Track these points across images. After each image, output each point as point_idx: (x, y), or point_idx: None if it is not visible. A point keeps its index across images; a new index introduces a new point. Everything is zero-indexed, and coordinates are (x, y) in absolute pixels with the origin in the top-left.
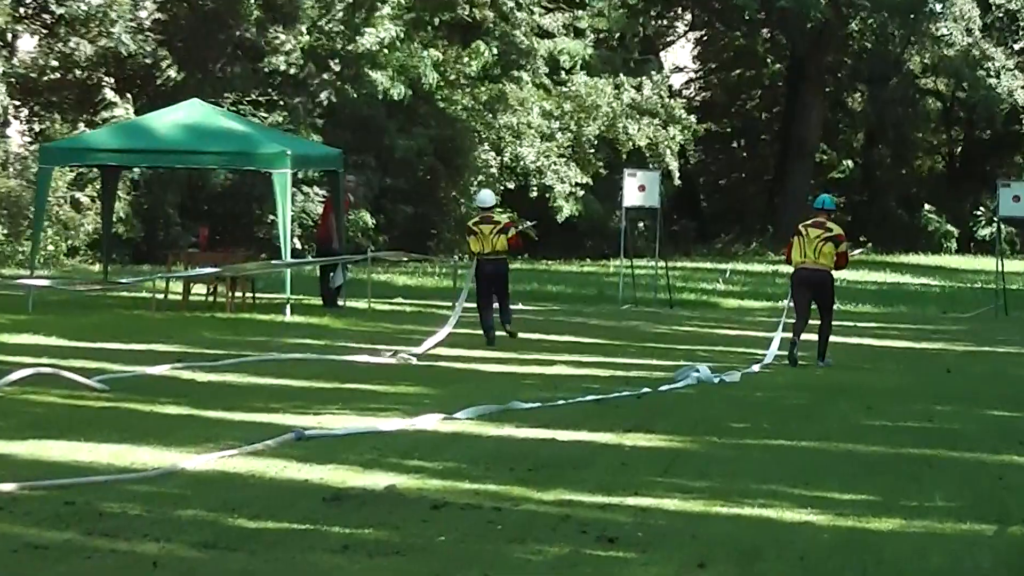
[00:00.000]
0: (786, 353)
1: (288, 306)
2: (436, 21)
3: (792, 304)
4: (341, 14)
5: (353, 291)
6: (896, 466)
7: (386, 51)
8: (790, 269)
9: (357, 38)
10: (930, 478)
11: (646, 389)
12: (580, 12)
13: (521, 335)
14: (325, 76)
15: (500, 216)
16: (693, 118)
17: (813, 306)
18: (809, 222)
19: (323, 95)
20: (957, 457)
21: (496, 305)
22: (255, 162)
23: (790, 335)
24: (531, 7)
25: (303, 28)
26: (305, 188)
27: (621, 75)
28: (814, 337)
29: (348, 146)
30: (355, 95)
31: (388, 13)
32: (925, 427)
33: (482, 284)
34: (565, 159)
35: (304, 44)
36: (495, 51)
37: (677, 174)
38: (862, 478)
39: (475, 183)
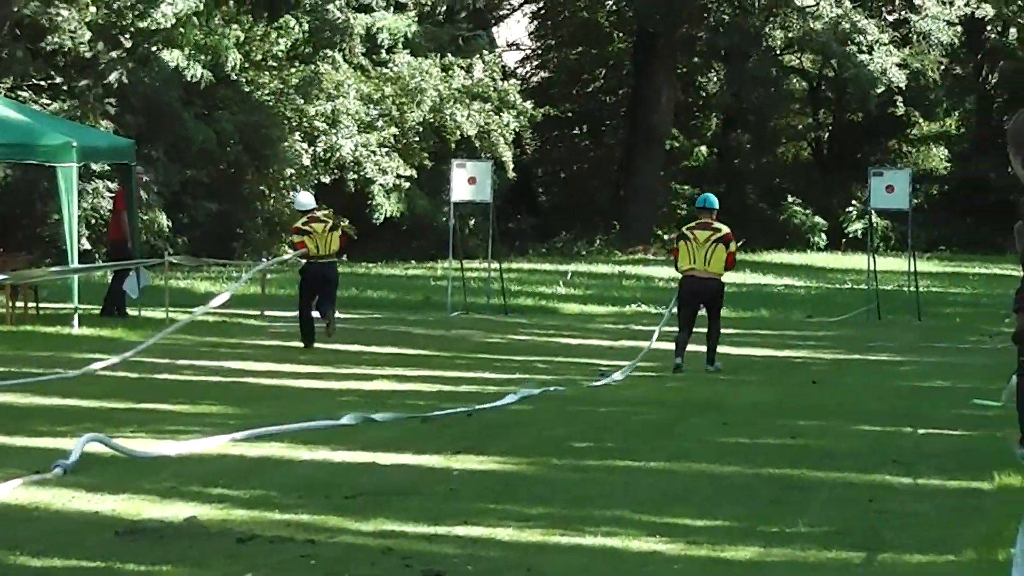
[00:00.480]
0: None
1: (76, 317)
2: None
3: (676, 311)
4: None
5: (149, 300)
6: (755, 489)
7: (182, 28)
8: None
9: (150, 11)
10: (793, 501)
11: (478, 406)
12: None
13: (339, 347)
14: (115, 54)
15: (324, 214)
16: (529, 103)
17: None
18: (694, 224)
19: (112, 76)
20: (823, 478)
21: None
22: (36, 155)
23: (671, 346)
24: None
25: (88, 2)
26: (94, 182)
27: (449, 55)
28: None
29: (141, 135)
30: (147, 78)
31: None
32: (788, 445)
33: (312, 286)
34: (387, 149)
35: (90, 19)
36: (306, 28)
37: (511, 165)
38: (717, 502)
39: (286, 177)
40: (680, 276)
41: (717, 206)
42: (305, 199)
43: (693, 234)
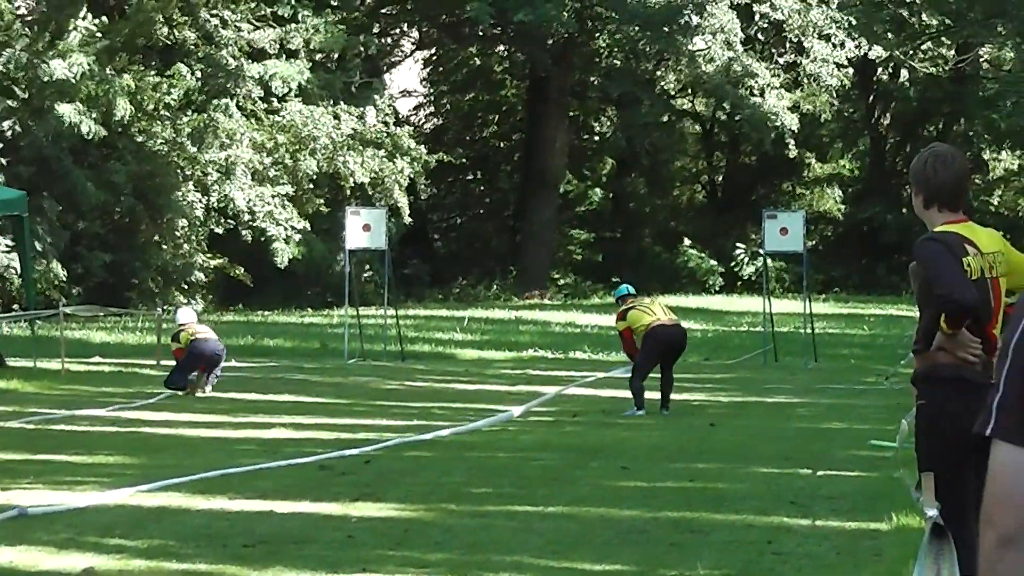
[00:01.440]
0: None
1: None
2: (132, 45)
3: (639, 365)
4: (24, 39)
5: (45, 351)
6: (654, 532)
7: (75, 82)
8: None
9: (42, 66)
10: (692, 545)
11: (372, 449)
12: (292, 27)
13: (236, 395)
14: (11, 103)
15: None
16: (423, 148)
17: None
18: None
19: (6, 124)
20: (722, 520)
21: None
22: None
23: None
24: (238, 24)
25: None
26: None
27: (341, 102)
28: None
29: (32, 186)
30: (40, 131)
31: (77, 41)
32: (686, 488)
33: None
34: (280, 198)
35: None
36: (198, 75)
37: (407, 211)
38: (616, 547)
39: (179, 228)
40: (645, 333)
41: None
42: (183, 315)
43: (640, 304)
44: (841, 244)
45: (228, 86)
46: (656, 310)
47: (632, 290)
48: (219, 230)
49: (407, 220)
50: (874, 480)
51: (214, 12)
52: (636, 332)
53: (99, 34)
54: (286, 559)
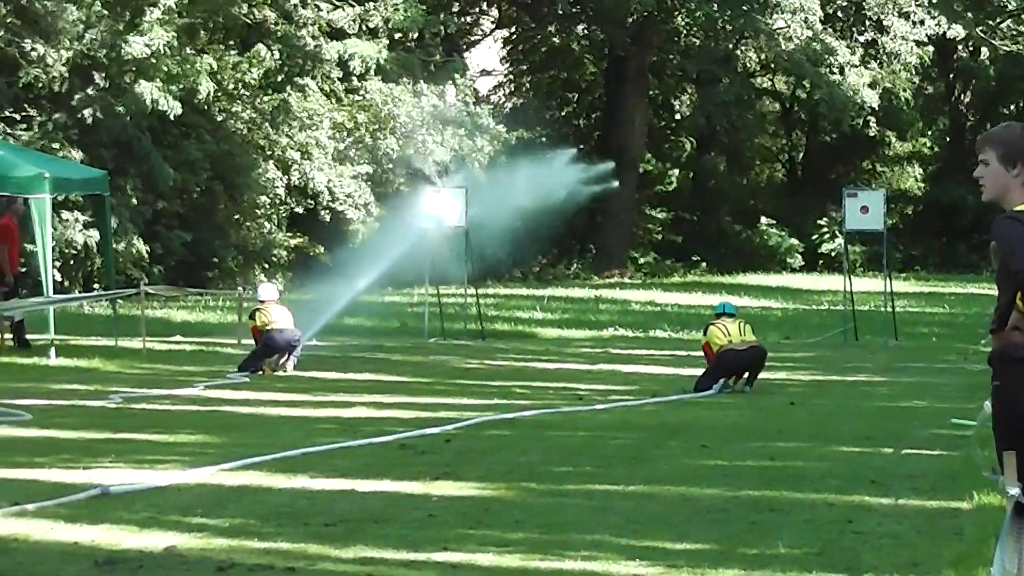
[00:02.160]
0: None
1: (52, 348)
2: (211, 24)
3: (702, 379)
4: (105, 20)
5: (126, 329)
6: (734, 511)
7: (155, 60)
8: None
9: (123, 45)
10: (772, 523)
11: (452, 428)
12: (371, 5)
13: (316, 374)
14: (90, 91)
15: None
16: (502, 127)
17: None
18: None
19: (87, 112)
20: (802, 499)
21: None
22: (9, 186)
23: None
24: (317, 3)
25: (66, 41)
26: (65, 214)
27: (421, 81)
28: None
29: (113, 166)
30: (121, 109)
31: (158, 18)
32: (766, 467)
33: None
34: (360, 178)
35: (66, 59)
36: (277, 56)
37: (487, 190)
38: (696, 525)
39: (260, 206)
40: (717, 353)
41: (736, 311)
42: (265, 291)
43: (722, 323)
44: (921, 222)
45: (307, 66)
46: (732, 330)
47: (730, 309)
48: (299, 209)
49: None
50: (955, 459)
51: None
52: (711, 347)
53: (178, 12)
54: (367, 538)
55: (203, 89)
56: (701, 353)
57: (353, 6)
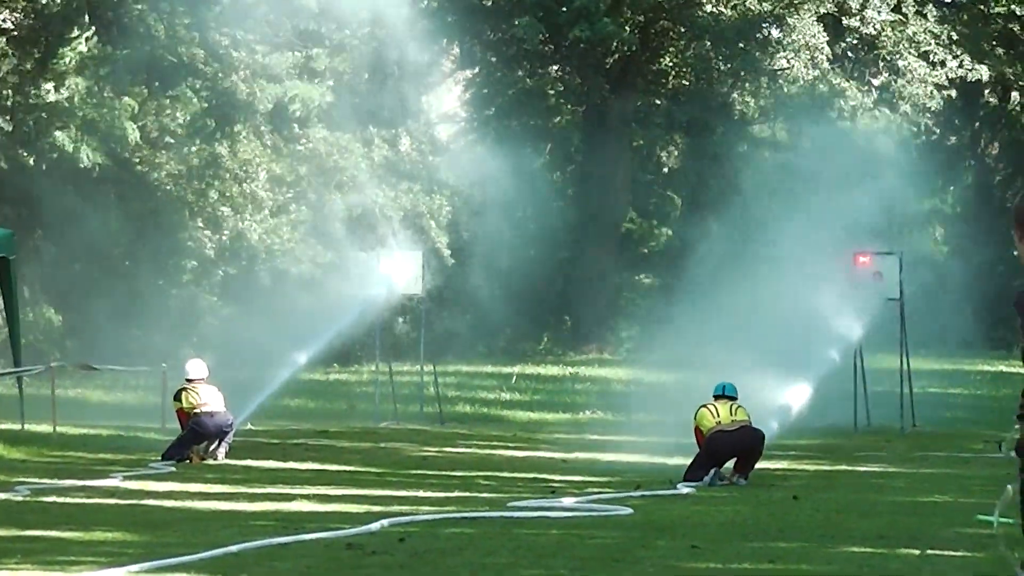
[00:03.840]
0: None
1: None
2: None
3: (692, 464)
4: (8, 60)
5: (34, 411)
6: None
7: (68, 105)
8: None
9: (32, 88)
10: None
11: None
12: (317, 50)
13: (250, 463)
14: None
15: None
16: (463, 185)
17: None
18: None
19: None
20: None
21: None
22: None
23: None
24: (253, 44)
25: None
26: None
27: (371, 127)
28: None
29: (20, 225)
30: (31, 160)
31: (72, 59)
32: (765, 570)
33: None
34: (300, 235)
35: None
36: (205, 100)
37: (447, 252)
38: None
39: (188, 267)
40: (707, 436)
41: (736, 394)
42: (193, 367)
43: (713, 404)
44: (943, 291)
45: (239, 115)
46: (722, 412)
47: (731, 391)
48: (232, 271)
49: (449, 261)
50: (982, 561)
51: (225, 31)
52: (702, 431)
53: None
54: None
55: (129, 136)
56: (692, 439)
57: (295, 52)
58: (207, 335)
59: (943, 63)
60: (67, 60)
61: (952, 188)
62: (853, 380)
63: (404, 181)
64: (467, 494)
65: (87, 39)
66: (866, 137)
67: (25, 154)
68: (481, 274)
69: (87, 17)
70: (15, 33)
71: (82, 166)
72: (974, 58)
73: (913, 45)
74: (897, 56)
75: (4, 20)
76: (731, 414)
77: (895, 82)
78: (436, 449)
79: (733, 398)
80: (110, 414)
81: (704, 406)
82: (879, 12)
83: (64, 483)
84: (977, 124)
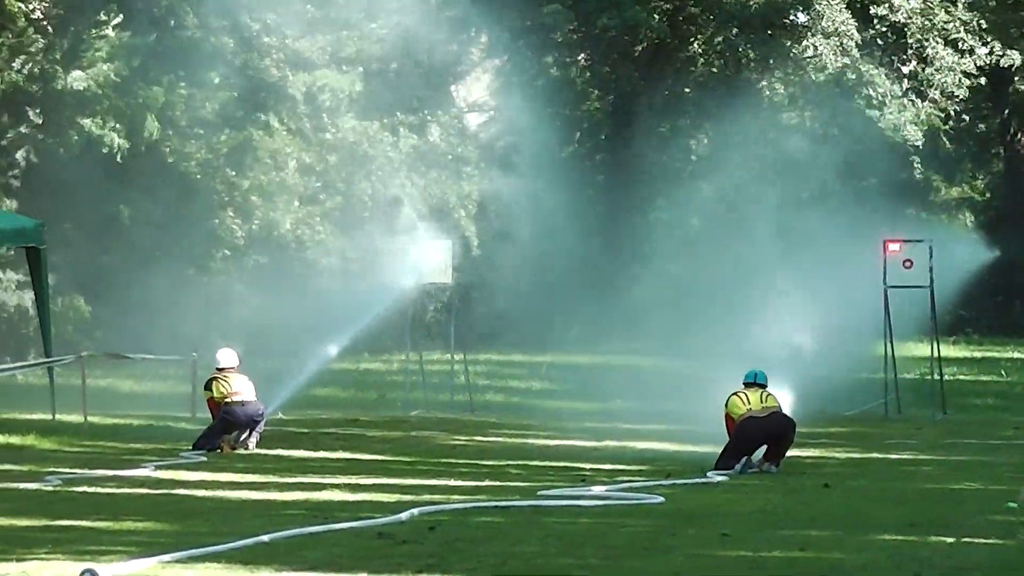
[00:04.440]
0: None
1: None
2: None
3: (724, 451)
4: (41, 47)
5: (65, 401)
6: None
7: (99, 92)
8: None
9: (61, 77)
10: None
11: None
12: (345, 33)
13: (281, 452)
14: (23, 129)
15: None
16: (494, 171)
17: None
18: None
19: (19, 154)
20: None
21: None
22: None
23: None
24: (283, 28)
25: None
26: None
27: (399, 115)
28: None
29: (50, 215)
30: (60, 149)
31: (103, 48)
32: (796, 558)
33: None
34: (331, 225)
35: None
36: (235, 88)
37: (475, 241)
38: None
39: (219, 256)
40: (738, 423)
41: (767, 382)
42: (224, 356)
43: (744, 392)
44: (973, 279)
45: (270, 101)
46: (752, 399)
47: (761, 379)
48: (263, 259)
49: (476, 251)
50: (1012, 548)
51: (255, 15)
52: (732, 418)
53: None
54: None
55: (151, 128)
56: (722, 428)
57: (324, 35)
58: (237, 324)
59: (972, 51)
60: (96, 49)
61: (982, 175)
62: (884, 368)
63: (433, 170)
64: (497, 483)
65: (114, 27)
66: (895, 125)
67: (54, 143)
68: (511, 263)
69: (115, 5)
70: (44, 22)
71: (110, 154)
72: (1004, 44)
73: (942, 33)
74: (926, 44)
75: (33, 10)
76: (761, 401)
77: (923, 70)
78: (466, 438)
79: (763, 386)
80: (141, 404)
81: (735, 394)
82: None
83: (95, 473)
84: (1007, 111)
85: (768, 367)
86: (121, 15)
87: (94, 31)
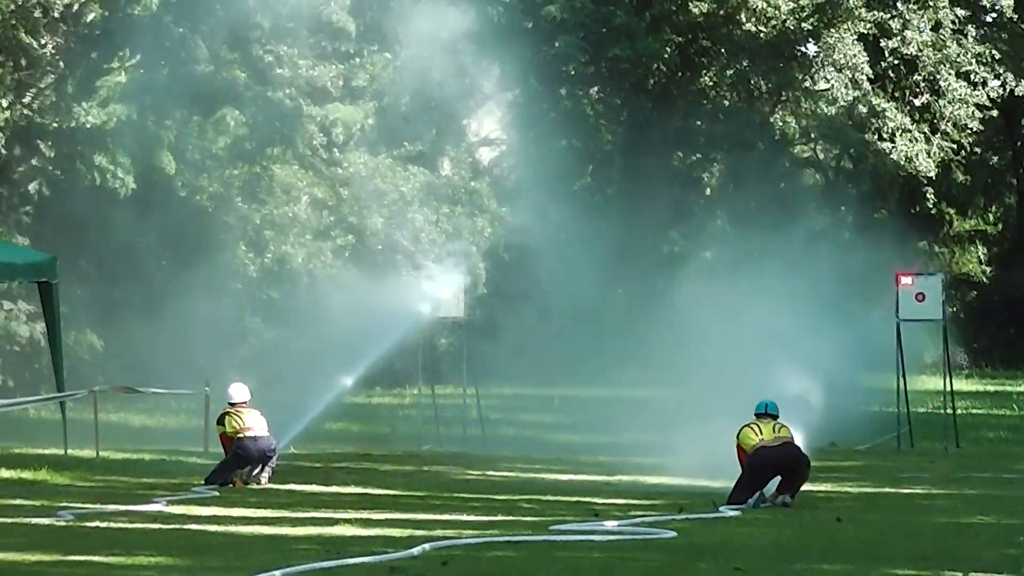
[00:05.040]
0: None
1: None
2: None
3: (737, 484)
4: (47, 79)
5: (77, 436)
6: None
7: (111, 127)
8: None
9: (76, 112)
10: None
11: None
12: (357, 60)
13: (293, 487)
14: (34, 162)
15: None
16: (505, 209)
17: None
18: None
19: (31, 186)
20: None
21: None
22: None
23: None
24: (296, 60)
25: (3, 102)
26: (7, 304)
27: (408, 145)
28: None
29: (62, 248)
30: (71, 185)
31: (116, 85)
32: None
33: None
34: (343, 259)
35: (3, 120)
36: (248, 122)
37: (487, 275)
38: None
39: (231, 289)
40: (750, 453)
41: (778, 412)
42: (236, 391)
43: (756, 423)
44: (985, 312)
45: (284, 131)
46: (764, 430)
47: (772, 409)
48: (275, 294)
49: (489, 284)
50: None
51: (268, 47)
52: (744, 450)
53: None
54: None
55: (167, 166)
56: (735, 461)
57: (336, 64)
58: (250, 358)
59: (984, 83)
60: (109, 87)
61: (994, 208)
62: (896, 401)
63: (445, 204)
64: (510, 517)
65: (127, 68)
66: (908, 157)
67: (65, 178)
68: (522, 296)
69: (127, 45)
70: (57, 57)
71: (122, 188)
72: (1017, 76)
73: (954, 65)
74: (938, 76)
75: (45, 45)
76: (774, 432)
77: (936, 102)
78: (479, 472)
79: (775, 416)
80: (153, 438)
81: (747, 425)
82: (920, 33)
83: (108, 508)
84: (1019, 143)
85: (781, 399)
86: (139, 55)
87: (106, 66)
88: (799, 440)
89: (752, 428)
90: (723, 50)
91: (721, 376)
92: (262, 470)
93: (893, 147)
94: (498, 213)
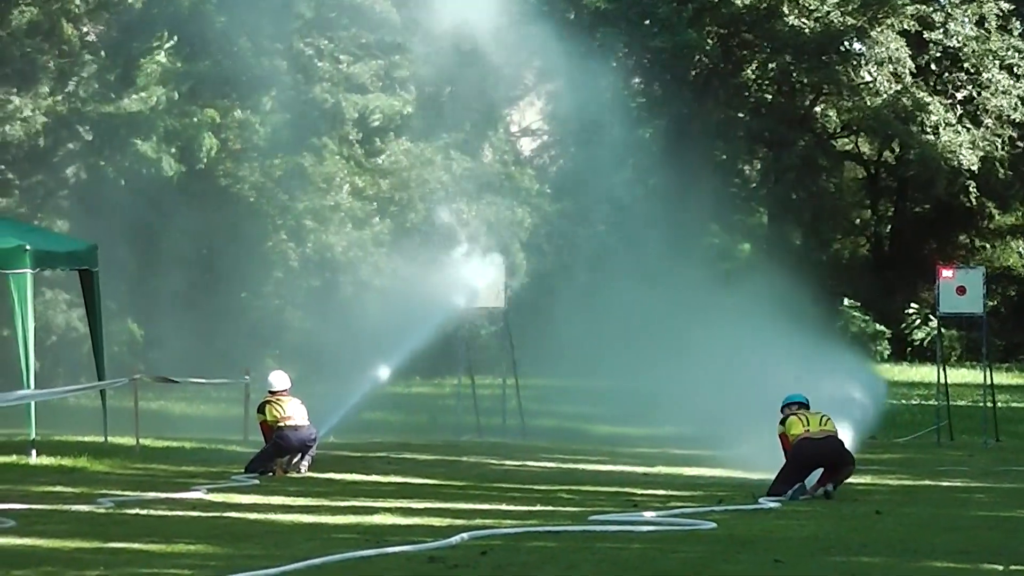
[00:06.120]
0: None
1: (33, 446)
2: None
3: (779, 475)
4: (88, 67)
5: (117, 424)
6: None
7: (151, 113)
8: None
9: (116, 99)
10: None
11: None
12: (399, 57)
13: (333, 476)
14: (71, 146)
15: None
16: (545, 199)
17: None
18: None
19: (70, 171)
20: None
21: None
22: None
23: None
24: (336, 54)
25: (45, 89)
26: (48, 292)
27: (448, 135)
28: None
29: (103, 236)
30: (112, 171)
31: (154, 70)
32: None
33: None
34: (383, 248)
35: (45, 108)
36: (288, 112)
37: (525, 266)
38: None
39: (272, 279)
40: (794, 443)
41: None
42: (276, 379)
43: (802, 413)
44: None
45: (324, 125)
46: (811, 421)
47: (803, 400)
48: (316, 282)
49: (525, 278)
50: None
51: (308, 40)
52: (788, 438)
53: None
54: None
55: (206, 145)
56: (776, 453)
57: (377, 58)
58: (290, 347)
59: None
60: (148, 72)
61: None
62: (936, 394)
63: (486, 194)
64: (549, 508)
65: (166, 51)
66: (951, 149)
67: (106, 165)
68: (563, 286)
69: (167, 30)
70: (98, 44)
71: (164, 175)
72: None
73: (997, 58)
74: (981, 68)
75: (87, 33)
76: (820, 424)
77: (979, 95)
78: (518, 462)
79: (807, 405)
80: (193, 426)
81: (794, 414)
82: (963, 26)
83: (147, 496)
84: None
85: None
86: (176, 37)
87: (146, 57)
88: (848, 439)
89: (800, 418)
90: (766, 44)
91: (762, 368)
92: (302, 459)
93: (936, 140)
94: (539, 203)
